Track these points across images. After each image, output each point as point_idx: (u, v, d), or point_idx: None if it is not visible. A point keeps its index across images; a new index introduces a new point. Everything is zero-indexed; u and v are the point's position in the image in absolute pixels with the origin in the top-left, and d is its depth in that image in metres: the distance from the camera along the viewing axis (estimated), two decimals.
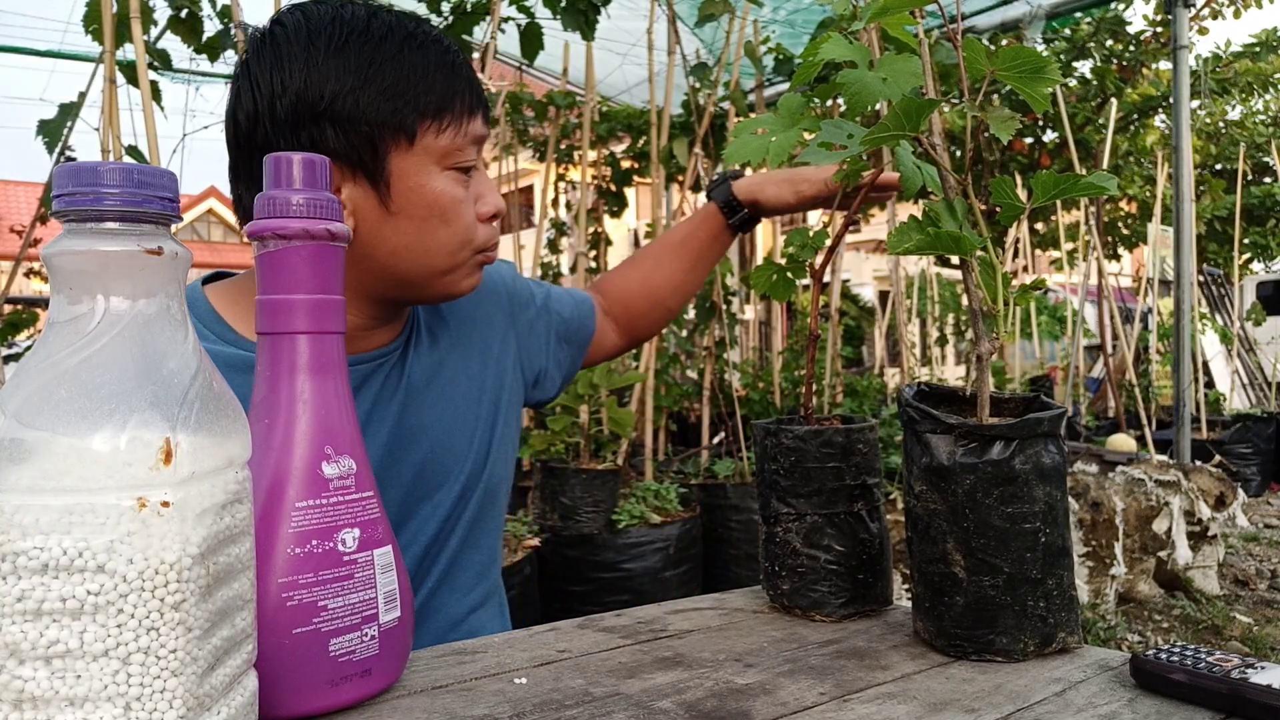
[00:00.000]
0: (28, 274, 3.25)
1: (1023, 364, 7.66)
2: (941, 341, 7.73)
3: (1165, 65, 6.56)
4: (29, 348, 0.87)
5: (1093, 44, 6.70)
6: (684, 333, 3.93)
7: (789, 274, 0.86)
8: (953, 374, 9.14)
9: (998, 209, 0.71)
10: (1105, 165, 5.47)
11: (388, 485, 0.95)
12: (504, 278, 1.14)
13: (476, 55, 2.79)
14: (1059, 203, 3.76)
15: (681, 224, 1.25)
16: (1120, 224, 9.36)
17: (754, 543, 3.22)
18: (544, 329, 1.16)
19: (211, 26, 2.51)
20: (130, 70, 2.22)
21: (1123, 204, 9.17)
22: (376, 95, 0.82)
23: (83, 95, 2.44)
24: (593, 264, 4.16)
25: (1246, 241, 10.41)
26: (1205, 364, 7.29)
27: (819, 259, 0.82)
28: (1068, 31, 6.61)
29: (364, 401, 0.94)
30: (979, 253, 0.68)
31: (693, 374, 4.18)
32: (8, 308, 2.92)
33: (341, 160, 0.83)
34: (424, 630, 0.97)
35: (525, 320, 1.14)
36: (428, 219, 0.86)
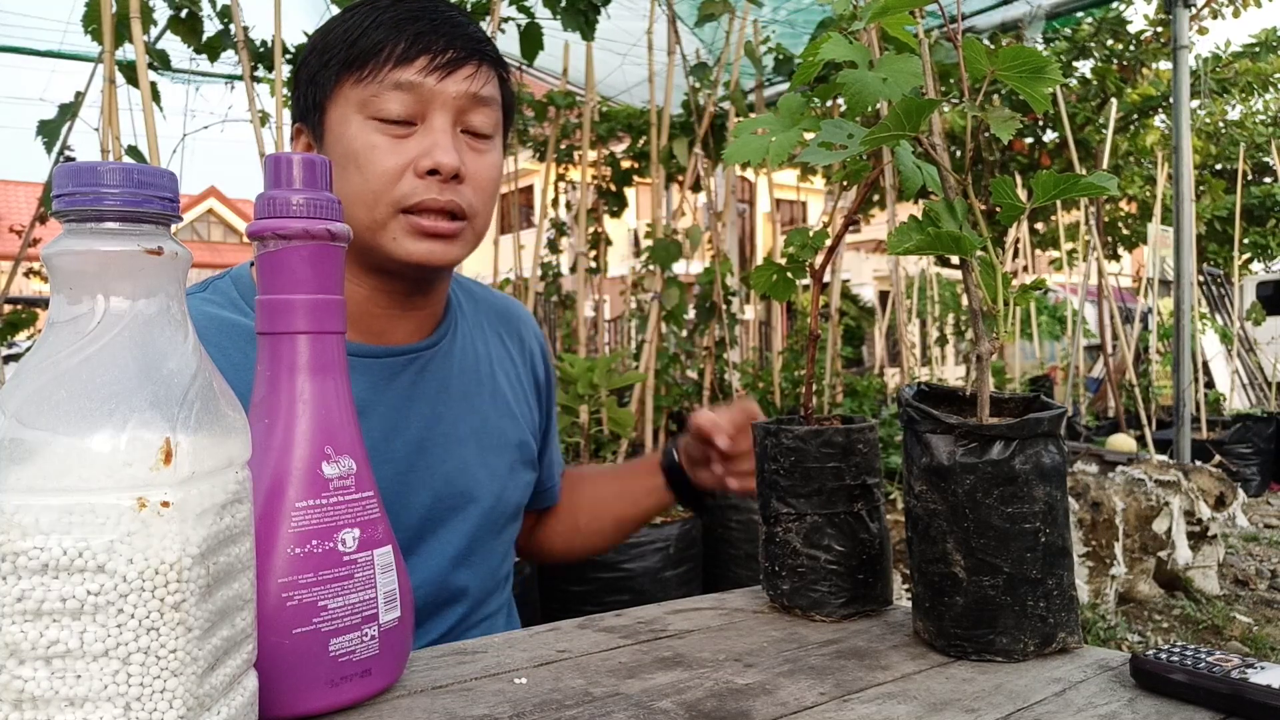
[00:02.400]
0: (28, 274, 3.25)
1: (1023, 364, 7.66)
2: (941, 341, 7.73)
3: (1165, 65, 6.56)
4: (29, 348, 0.87)
5: (1093, 44, 6.70)
6: (684, 333, 3.93)
7: (789, 274, 0.86)
8: (953, 374, 9.14)
9: (998, 209, 0.71)
10: (1105, 165, 5.47)
11: (417, 489, 0.94)
12: (545, 364, 1.15)
13: None
14: (1059, 203, 3.77)
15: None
16: (1120, 224, 9.36)
17: (754, 543, 3.21)
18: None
19: (211, 26, 2.51)
20: (130, 70, 2.22)
21: (1123, 204, 9.17)
22: (314, 54, 0.90)
23: (81, 95, 2.44)
24: (593, 264, 4.16)
25: (1246, 241, 10.41)
26: (1205, 364, 7.28)
27: (819, 259, 0.82)
28: (1068, 31, 6.61)
29: (394, 395, 0.94)
30: (979, 253, 0.68)
31: (693, 374, 4.18)
32: (8, 308, 2.92)
33: (299, 118, 0.93)
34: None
35: (546, 408, 1.15)
36: (345, 166, 0.88)
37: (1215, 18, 6.28)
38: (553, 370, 1.17)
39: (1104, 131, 5.66)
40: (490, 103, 0.92)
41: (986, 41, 4.46)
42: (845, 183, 0.82)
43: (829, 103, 3.35)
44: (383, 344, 0.95)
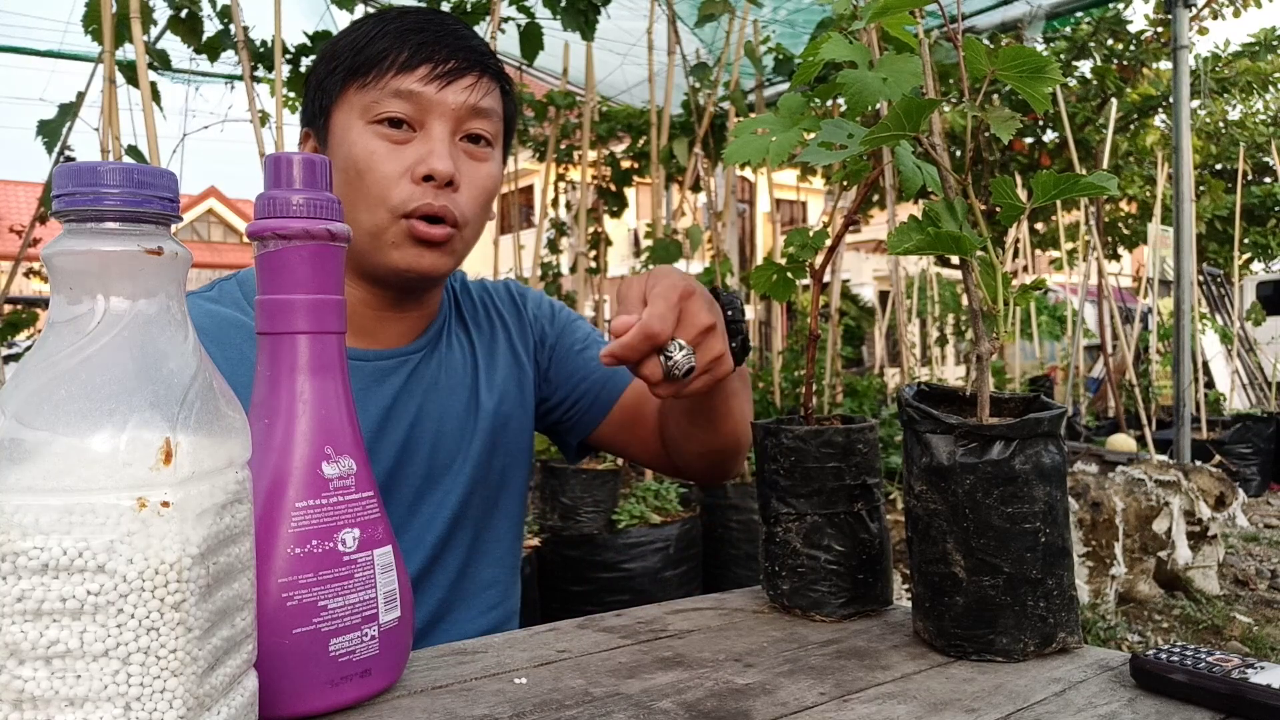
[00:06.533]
0: (28, 274, 3.25)
1: (1023, 364, 7.66)
2: (941, 341, 7.73)
3: (1165, 65, 6.56)
4: (29, 348, 0.87)
5: (1093, 43, 6.70)
6: None
7: (789, 274, 0.86)
8: (953, 374, 9.14)
9: (998, 209, 0.71)
10: (1105, 165, 5.47)
11: (405, 481, 0.97)
12: (543, 311, 1.12)
13: None
14: (1059, 203, 3.76)
15: None
16: (1120, 224, 9.36)
17: (754, 543, 3.22)
18: (566, 374, 1.11)
19: (211, 26, 2.51)
20: (130, 70, 2.22)
21: (1123, 204, 9.17)
22: (322, 61, 0.92)
23: (81, 95, 2.44)
24: (593, 264, 4.16)
25: (1246, 241, 10.42)
26: (1205, 364, 7.28)
27: (819, 259, 0.82)
28: (1068, 31, 6.61)
29: (382, 398, 0.95)
30: (979, 253, 0.68)
31: None
32: (8, 308, 2.92)
33: (307, 123, 0.95)
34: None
35: (548, 353, 1.11)
36: (347, 171, 0.89)
37: (1215, 18, 6.28)
38: (563, 317, 1.13)
39: (1104, 131, 5.66)
40: (489, 113, 0.93)
41: (986, 41, 4.46)
42: (845, 183, 0.82)
43: (829, 103, 3.34)
44: (374, 345, 0.97)
